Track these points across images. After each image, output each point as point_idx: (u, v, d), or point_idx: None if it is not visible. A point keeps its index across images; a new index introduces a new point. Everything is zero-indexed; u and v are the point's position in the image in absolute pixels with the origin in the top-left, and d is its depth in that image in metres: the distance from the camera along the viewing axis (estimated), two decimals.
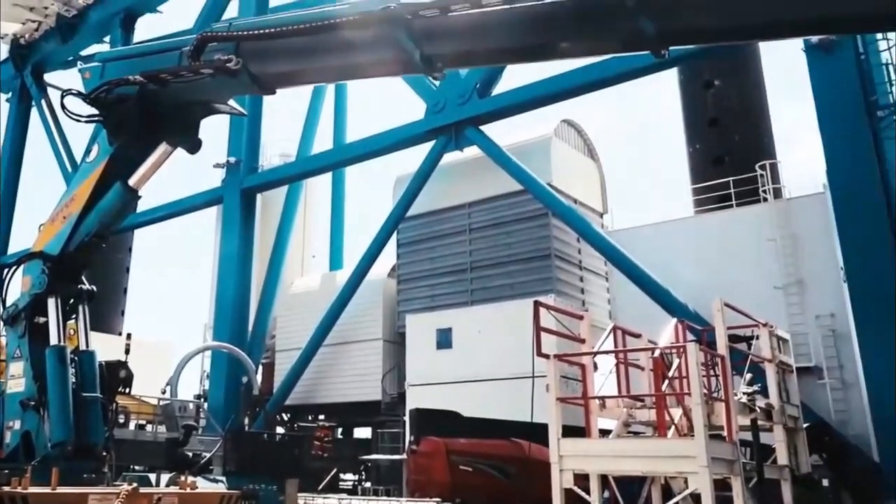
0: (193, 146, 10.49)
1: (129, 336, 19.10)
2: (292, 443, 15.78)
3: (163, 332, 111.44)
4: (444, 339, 19.66)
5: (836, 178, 14.96)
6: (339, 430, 24.91)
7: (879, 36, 15.81)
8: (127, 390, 11.12)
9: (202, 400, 24.69)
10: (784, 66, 44.81)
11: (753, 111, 21.10)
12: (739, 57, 20.51)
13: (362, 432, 25.11)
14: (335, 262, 31.35)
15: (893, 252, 14.06)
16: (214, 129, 33.87)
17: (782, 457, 11.66)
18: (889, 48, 16.15)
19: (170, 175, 12.66)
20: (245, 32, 9.00)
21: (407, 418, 17.65)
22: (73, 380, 10.00)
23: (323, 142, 31.06)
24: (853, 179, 14.60)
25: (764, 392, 11.78)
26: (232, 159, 26.87)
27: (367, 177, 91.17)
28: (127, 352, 15.05)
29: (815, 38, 14.95)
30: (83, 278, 10.73)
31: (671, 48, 7.94)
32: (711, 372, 11.30)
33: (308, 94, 31.39)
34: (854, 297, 14.25)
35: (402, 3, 7.80)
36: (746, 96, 21.09)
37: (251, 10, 27.83)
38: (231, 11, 30.19)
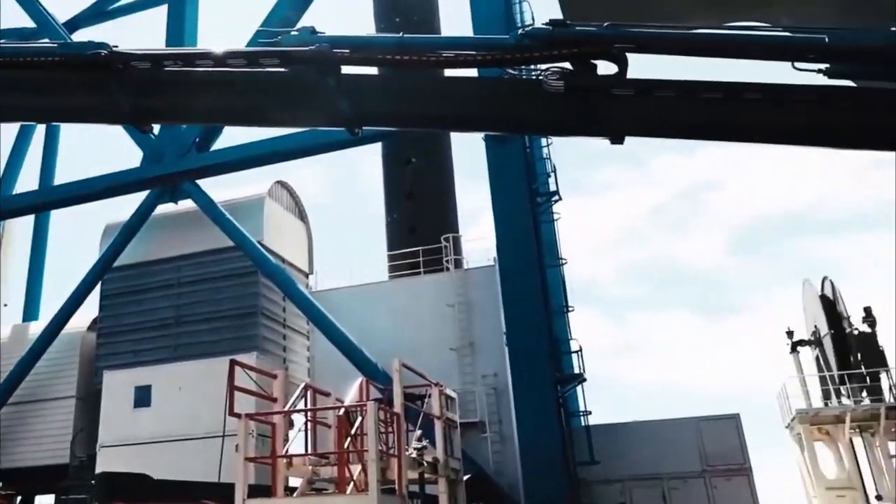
0: None
1: None
2: None
3: None
4: (143, 397, 19.07)
5: (502, 252, 17.09)
6: (19, 498, 22.77)
7: None
8: None
9: None
10: (474, 152, 50.74)
11: (443, 189, 23.32)
12: (434, 139, 22.75)
13: (45, 500, 23.23)
14: (31, 312, 28.66)
15: (544, 320, 16.57)
16: None
17: None
18: (548, 145, 19.19)
19: None
20: None
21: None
22: None
23: (30, 182, 28.72)
24: (516, 255, 16.75)
25: (434, 446, 13.20)
26: None
27: (78, 223, 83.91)
28: None
29: None
30: None
31: (365, 128, 8.95)
32: (389, 429, 12.46)
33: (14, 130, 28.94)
34: (511, 358, 16.33)
35: (116, 50, 7.37)
36: (438, 175, 23.24)
37: None
38: None
